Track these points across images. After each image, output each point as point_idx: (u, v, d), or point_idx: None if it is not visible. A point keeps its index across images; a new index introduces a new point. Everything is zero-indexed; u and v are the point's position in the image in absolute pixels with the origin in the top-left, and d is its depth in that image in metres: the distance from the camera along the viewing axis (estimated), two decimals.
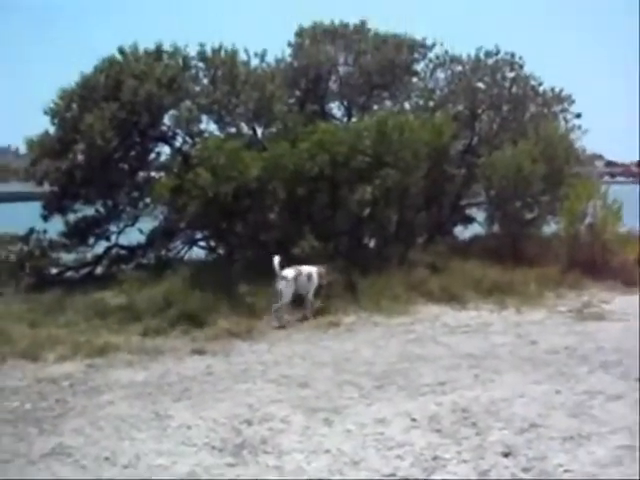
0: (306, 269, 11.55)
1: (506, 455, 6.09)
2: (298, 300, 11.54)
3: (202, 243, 15.35)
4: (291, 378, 8.45)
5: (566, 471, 5.79)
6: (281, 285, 11.19)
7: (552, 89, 17.34)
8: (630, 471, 5.78)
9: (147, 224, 15.01)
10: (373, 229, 13.87)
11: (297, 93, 16.70)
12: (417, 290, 12.40)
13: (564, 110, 17.43)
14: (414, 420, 6.94)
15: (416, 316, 11.49)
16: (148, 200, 14.69)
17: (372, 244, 14.48)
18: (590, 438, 6.46)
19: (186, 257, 15.11)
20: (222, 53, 14.92)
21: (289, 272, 11.29)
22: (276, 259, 11.19)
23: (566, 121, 17.36)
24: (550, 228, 16.18)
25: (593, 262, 14.06)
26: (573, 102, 17.42)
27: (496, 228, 15.93)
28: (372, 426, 6.83)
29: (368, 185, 13.04)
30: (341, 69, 17.19)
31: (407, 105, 17.51)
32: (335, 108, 17.59)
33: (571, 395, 7.64)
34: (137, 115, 14.04)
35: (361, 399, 7.64)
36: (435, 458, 6.06)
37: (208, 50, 14.90)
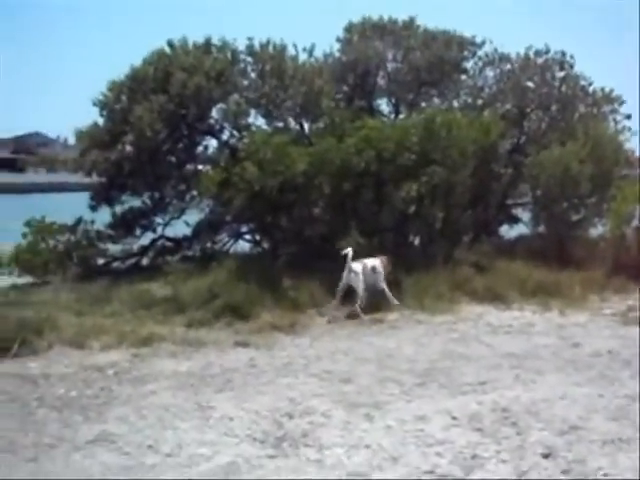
0: (370, 261, 11.79)
1: (546, 456, 6.07)
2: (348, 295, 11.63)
3: (247, 237, 15.45)
4: (333, 373, 8.51)
5: (605, 475, 5.76)
6: (353, 278, 11.49)
7: (602, 89, 17.09)
8: None
9: (193, 216, 15.13)
10: (418, 226, 13.81)
11: (345, 89, 16.67)
12: (461, 289, 12.38)
13: (614, 111, 17.17)
14: (454, 418, 6.94)
15: (459, 315, 11.48)
16: (195, 193, 14.81)
17: (417, 242, 14.45)
18: (630, 443, 6.40)
19: (231, 250, 15.20)
20: (270, 48, 14.98)
21: (357, 266, 11.54)
22: (349, 251, 11.44)
23: (616, 122, 17.10)
24: (597, 230, 15.99)
25: (639, 266, 13.87)
26: (623, 103, 17.17)
27: (542, 229, 15.78)
28: (412, 423, 6.85)
29: (414, 182, 12.99)
30: (389, 65, 17.12)
31: (455, 103, 17.35)
32: (383, 104, 17.51)
33: (613, 398, 7.57)
34: (185, 108, 14.19)
35: (402, 396, 7.67)
36: (474, 457, 6.07)
37: (256, 44, 14.96)
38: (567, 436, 6.53)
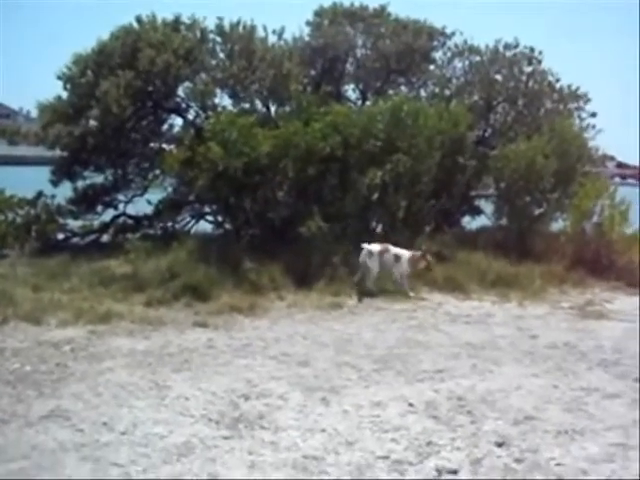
0: (395, 250, 12.09)
1: (500, 445, 6.13)
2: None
3: (209, 217, 15.35)
4: (291, 356, 8.51)
5: (558, 465, 5.82)
6: (366, 258, 11.94)
7: (569, 86, 17.28)
8: (621, 469, 5.81)
9: (156, 195, 15.02)
10: (381, 214, 13.82)
11: (313, 73, 16.61)
12: (422, 278, 12.42)
13: (579, 108, 17.36)
14: (411, 405, 6.98)
15: (419, 303, 11.53)
16: (158, 171, 14.70)
17: (380, 229, 14.47)
18: (584, 434, 6.49)
19: (193, 230, 15.13)
20: (240, 28, 14.87)
21: (375, 247, 11.92)
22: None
23: (581, 119, 17.31)
24: (558, 225, 16.15)
25: (598, 261, 14.05)
26: (589, 100, 17.38)
27: (504, 221, 15.90)
28: (369, 408, 6.87)
29: (379, 169, 13.02)
30: (359, 52, 17.13)
31: (423, 92, 17.45)
32: (350, 91, 17.57)
33: (568, 390, 7.67)
34: (152, 85, 14.05)
35: (359, 381, 7.69)
36: (429, 443, 6.10)
37: (226, 24, 14.86)
38: (521, 426, 6.59)
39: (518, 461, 5.87)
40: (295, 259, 11.93)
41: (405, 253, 12.11)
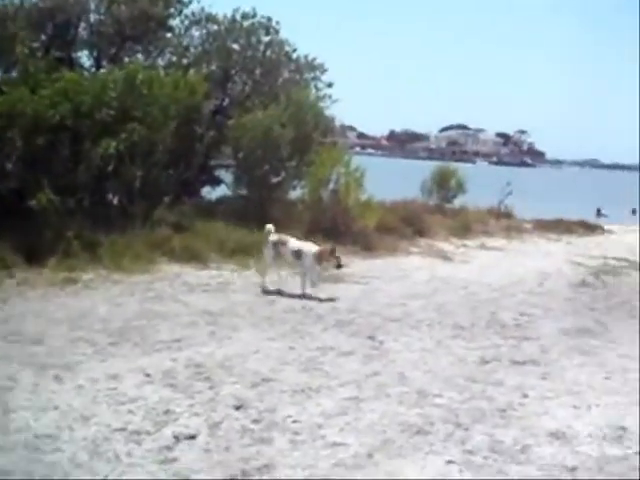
0: (297, 244, 11.20)
1: (237, 408, 6.21)
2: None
3: None
4: (23, 335, 8.04)
5: (294, 422, 6.00)
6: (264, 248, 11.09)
7: (305, 56, 17.71)
8: (354, 420, 6.09)
9: None
10: (117, 186, 13.43)
11: (42, 37, 15.76)
12: (160, 249, 12.27)
13: (316, 78, 17.85)
14: (148, 375, 6.88)
15: (157, 275, 11.38)
16: None
17: (116, 201, 14.07)
18: (319, 391, 6.73)
19: None
20: None
21: (272, 235, 11.07)
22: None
23: (317, 89, 17.81)
24: (297, 193, 16.59)
25: (335, 227, 14.62)
26: (325, 71, 17.92)
27: (243, 190, 16.09)
28: (104, 382, 6.68)
29: (113, 139, 12.57)
30: (92, 16, 16.47)
31: (160, 61, 17.14)
32: (85, 57, 16.89)
33: (304, 351, 7.93)
34: None
35: (95, 355, 7.45)
36: (167, 412, 6.05)
37: None
38: (259, 388, 6.72)
39: (256, 421, 5.97)
40: (26, 234, 11.27)
41: (311, 248, 11.14)
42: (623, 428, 6.26)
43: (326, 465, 5.29)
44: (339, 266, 11.18)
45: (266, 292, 10.81)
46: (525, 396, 6.95)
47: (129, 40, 16.69)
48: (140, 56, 17.07)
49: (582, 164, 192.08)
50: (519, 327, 9.78)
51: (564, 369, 7.93)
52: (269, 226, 11.18)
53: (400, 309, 10.32)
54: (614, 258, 16.73)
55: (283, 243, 11.05)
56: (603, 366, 8.10)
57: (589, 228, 23.10)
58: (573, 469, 5.46)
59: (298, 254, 10.97)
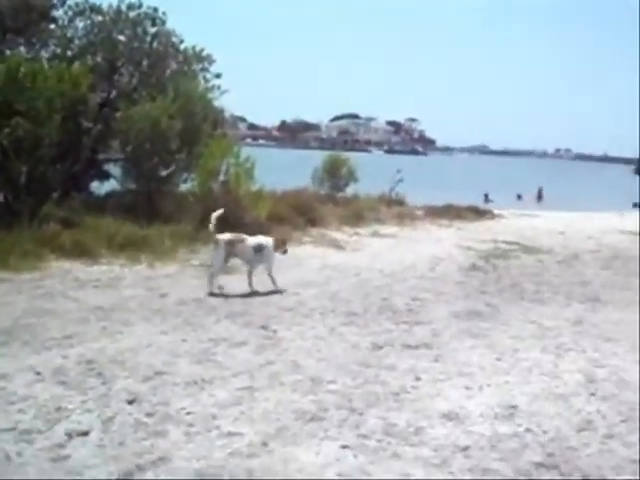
0: (255, 239, 10.93)
1: (131, 402, 6.17)
2: None
3: None
4: None
5: (188, 413, 6.01)
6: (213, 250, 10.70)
7: (193, 47, 17.62)
8: (248, 409, 6.14)
9: None
10: (2, 182, 13.10)
11: None
12: (48, 245, 11.98)
13: (204, 69, 17.80)
14: (38, 374, 6.75)
15: (46, 272, 11.13)
16: None
17: (1, 198, 13.71)
18: (213, 382, 6.76)
19: None
20: None
21: (224, 236, 10.65)
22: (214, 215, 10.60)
23: (206, 80, 17.75)
24: (187, 185, 16.49)
25: (226, 218, 14.58)
26: (214, 62, 17.88)
27: (133, 184, 15.90)
28: None
29: None
30: None
31: (44, 53, 16.77)
32: None
33: (197, 343, 7.93)
34: None
35: None
36: (59, 409, 5.96)
37: None
38: (152, 381, 6.69)
39: (149, 415, 5.95)
40: None
41: (269, 240, 11.04)
42: (514, 406, 6.49)
43: (221, 455, 5.33)
44: (285, 252, 11.31)
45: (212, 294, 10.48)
46: (418, 379, 7.11)
47: (10, 32, 16.27)
48: (22, 48, 16.69)
49: (471, 150, 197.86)
50: (411, 312, 9.95)
51: (456, 351, 8.13)
52: (212, 226, 10.82)
53: (294, 298, 10.41)
54: (504, 242, 17.24)
55: (240, 241, 10.89)
56: (494, 347, 8.33)
57: (479, 213, 23.64)
58: (466, 448, 5.64)
59: (260, 248, 10.89)
